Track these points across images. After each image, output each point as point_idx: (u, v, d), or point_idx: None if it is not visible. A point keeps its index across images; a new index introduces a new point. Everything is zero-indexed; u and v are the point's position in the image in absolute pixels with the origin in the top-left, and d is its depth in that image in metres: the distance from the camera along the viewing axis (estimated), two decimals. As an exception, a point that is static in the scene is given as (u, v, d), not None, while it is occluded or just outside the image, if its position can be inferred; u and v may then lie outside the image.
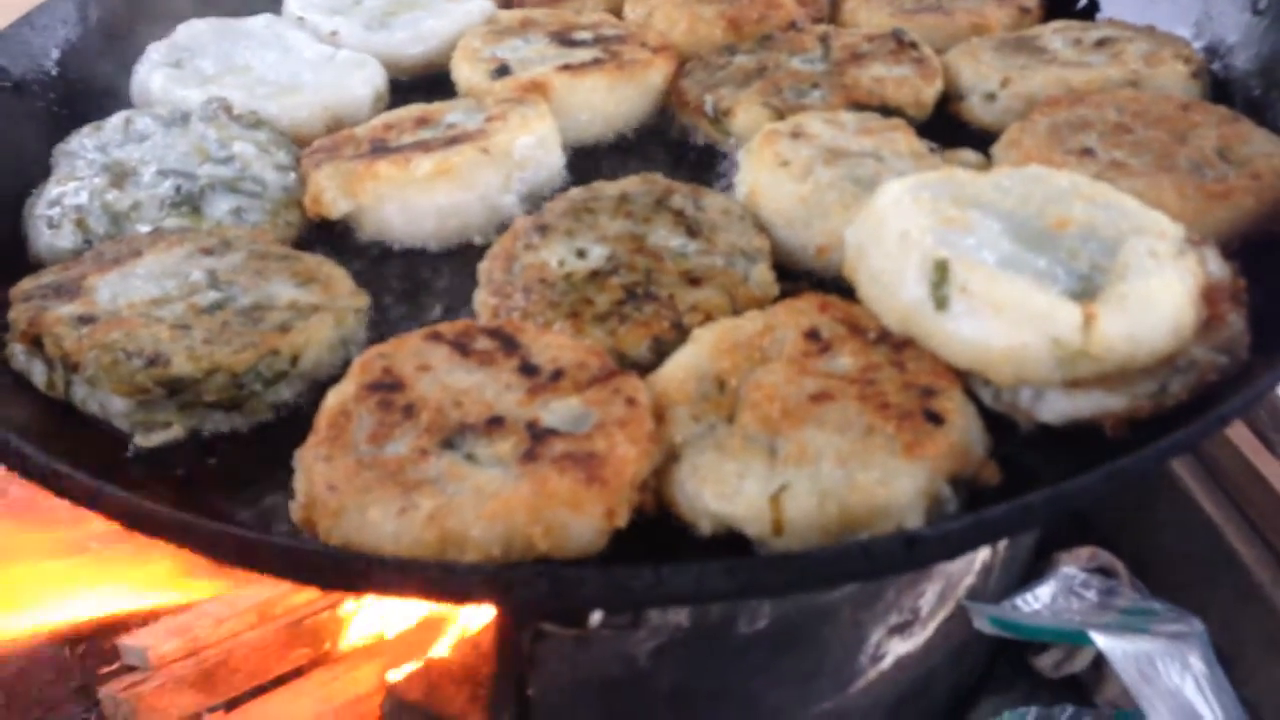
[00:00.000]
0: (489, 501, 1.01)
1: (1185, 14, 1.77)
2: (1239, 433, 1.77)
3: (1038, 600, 1.66)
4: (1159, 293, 1.08)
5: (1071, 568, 1.74)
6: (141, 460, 1.19)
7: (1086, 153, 1.43)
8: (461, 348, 1.19)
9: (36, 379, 1.24)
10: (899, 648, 1.46)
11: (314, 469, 1.06)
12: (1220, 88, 1.66)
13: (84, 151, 1.53)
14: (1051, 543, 1.79)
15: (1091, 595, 1.68)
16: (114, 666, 1.77)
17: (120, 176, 1.49)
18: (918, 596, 1.43)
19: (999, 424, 1.14)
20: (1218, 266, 1.21)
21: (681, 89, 1.74)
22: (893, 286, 1.16)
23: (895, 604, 1.41)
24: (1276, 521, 1.68)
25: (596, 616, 1.20)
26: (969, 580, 1.52)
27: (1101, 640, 1.46)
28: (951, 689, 1.68)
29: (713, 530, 1.05)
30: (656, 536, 1.07)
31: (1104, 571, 1.76)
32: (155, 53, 1.79)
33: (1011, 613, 1.59)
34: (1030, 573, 1.76)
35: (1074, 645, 1.57)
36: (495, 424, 1.09)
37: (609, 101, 1.71)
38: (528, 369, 1.16)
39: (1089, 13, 1.93)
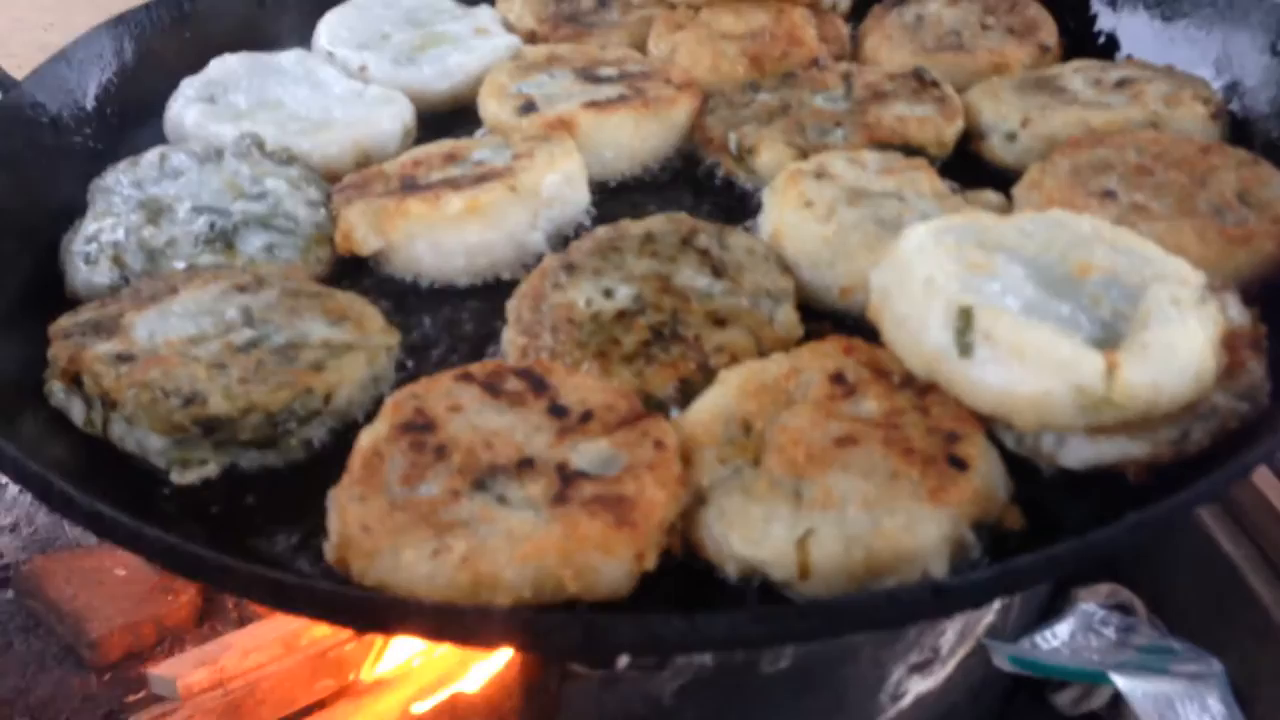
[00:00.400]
0: (521, 544, 1.03)
1: (1205, 54, 1.78)
2: (1259, 473, 1.77)
3: (1056, 637, 1.67)
4: (1181, 341, 1.10)
5: (1090, 604, 1.75)
6: (177, 497, 1.21)
7: (1108, 195, 1.44)
8: (492, 388, 1.21)
9: (75, 416, 1.26)
10: (919, 686, 1.47)
11: (348, 509, 1.08)
12: (1240, 129, 1.67)
13: (120, 188, 1.56)
14: (1071, 579, 1.80)
15: (1110, 633, 1.69)
16: (140, 695, 1.79)
17: (156, 213, 1.51)
18: (938, 635, 1.44)
19: (1022, 468, 1.16)
20: (1238, 313, 1.22)
21: (705, 126, 1.76)
22: (917, 332, 1.18)
23: (916, 643, 1.43)
24: (1297, 561, 1.69)
25: (624, 659, 1.21)
26: (989, 619, 1.53)
27: (1121, 681, 1.47)
28: (971, 725, 1.69)
29: (739, 573, 1.07)
30: (683, 578, 1.09)
31: (1123, 609, 1.76)
32: (189, 88, 1.82)
33: (1030, 651, 1.60)
34: (1049, 609, 1.77)
35: (1092, 684, 1.58)
36: (526, 466, 1.11)
37: (634, 138, 1.73)
38: (557, 410, 1.18)
39: (1109, 51, 1.94)
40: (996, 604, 1.53)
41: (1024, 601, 1.64)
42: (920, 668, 1.45)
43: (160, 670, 1.72)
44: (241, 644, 1.75)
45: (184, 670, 1.70)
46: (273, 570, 1.00)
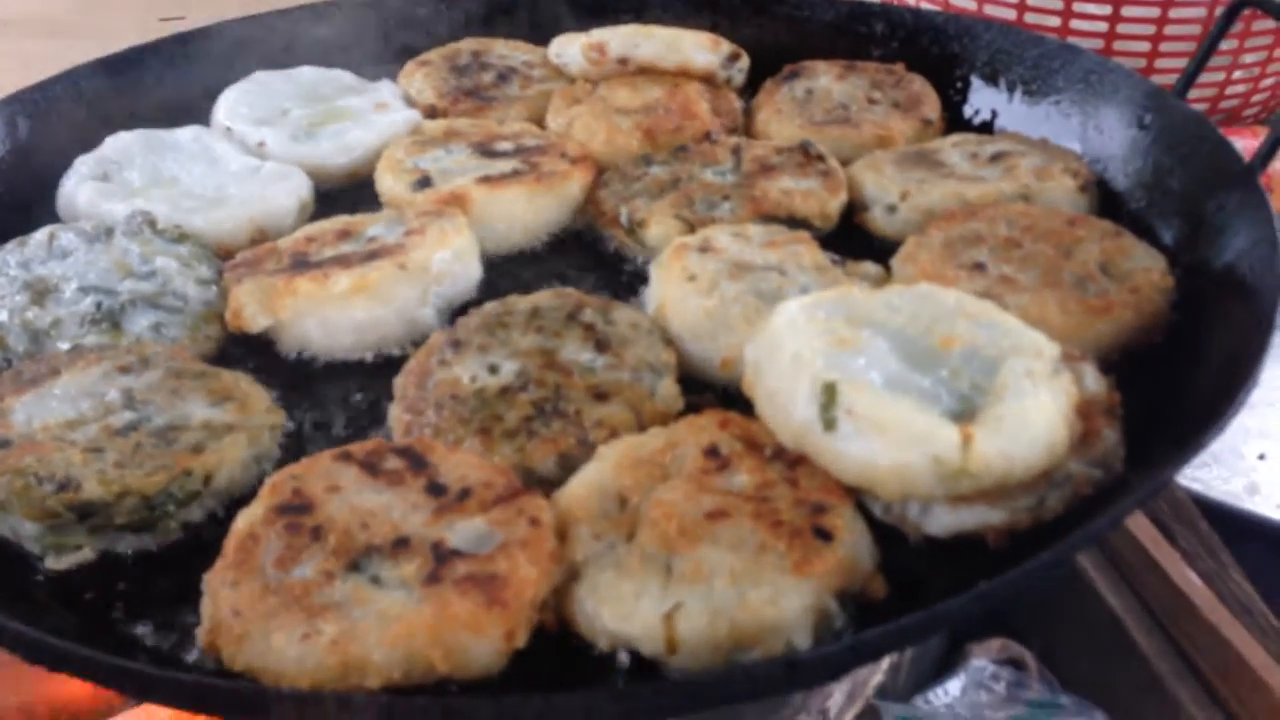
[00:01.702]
0: (391, 625, 1.04)
1: (1075, 128, 1.87)
2: (1139, 523, 1.83)
3: (948, 694, 1.70)
4: (1033, 413, 1.14)
5: (982, 660, 1.78)
6: (50, 583, 1.20)
7: (978, 268, 1.50)
8: (371, 467, 1.22)
9: (-52, 502, 1.25)
10: (809, 749, 1.49)
11: (220, 594, 1.09)
12: (1108, 199, 1.75)
13: (6, 268, 1.56)
14: (963, 635, 1.83)
15: (1000, 688, 1.72)
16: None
17: (41, 293, 1.51)
18: (825, 698, 1.47)
19: (890, 536, 1.19)
20: (1094, 381, 1.28)
21: (598, 199, 1.80)
22: (786, 406, 1.21)
23: (803, 706, 1.45)
24: (1175, 613, 1.74)
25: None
26: (877, 679, 1.56)
27: (1001, 740, 1.51)
28: (868, 785, 1.70)
29: (610, 648, 1.09)
30: (558, 653, 1.11)
31: (1014, 663, 1.80)
32: (83, 166, 1.83)
33: (918, 710, 1.62)
34: (943, 664, 1.80)
35: (981, 741, 1.61)
36: (401, 545, 1.12)
37: (528, 212, 1.76)
38: (435, 488, 1.19)
39: (989, 125, 2.02)
40: (885, 663, 1.56)
41: (914, 660, 1.67)
42: (809, 731, 1.48)
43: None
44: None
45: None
46: (128, 661, 1.00)
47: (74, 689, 1.96)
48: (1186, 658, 1.71)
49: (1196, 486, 2.02)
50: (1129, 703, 1.71)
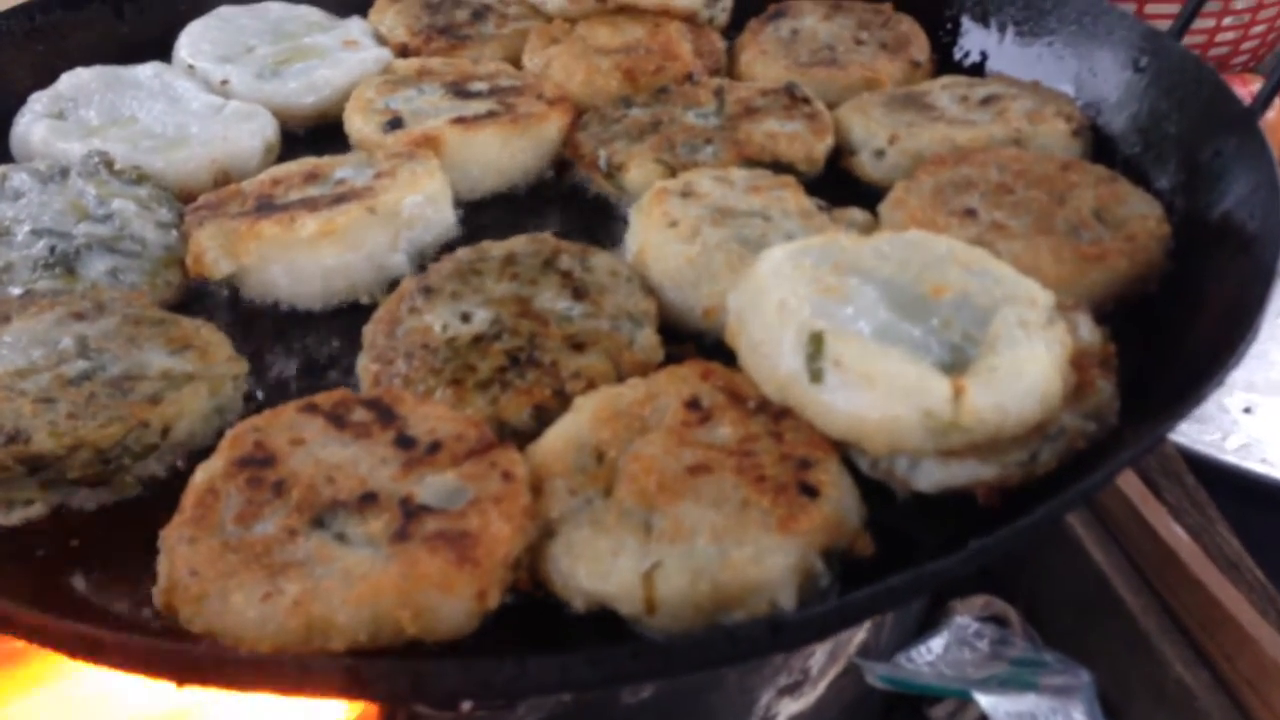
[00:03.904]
0: (357, 585, 0.99)
1: (1069, 70, 1.81)
2: (1126, 478, 1.80)
3: (931, 652, 1.67)
4: (1027, 364, 1.10)
5: (966, 617, 1.75)
6: (1, 539, 1.15)
7: (969, 214, 1.45)
8: (338, 420, 1.17)
9: (-108, 455, 1.19)
10: (790, 708, 1.46)
11: (176, 551, 1.03)
12: (1102, 144, 1.70)
13: (-45, 210, 1.49)
14: (948, 591, 1.80)
15: (984, 645, 1.70)
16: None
17: (-9, 237, 1.45)
18: (807, 657, 1.44)
19: (877, 492, 1.15)
20: (1089, 332, 1.24)
21: (576, 142, 1.74)
22: (771, 357, 1.16)
23: (785, 666, 1.41)
24: (1162, 569, 1.72)
25: (467, 704, 1.18)
26: (860, 637, 1.53)
27: (983, 700, 1.48)
28: (849, 742, 1.68)
29: (587, 608, 1.04)
30: (532, 613, 1.06)
31: (997, 620, 1.77)
32: (37, 103, 1.75)
33: (900, 669, 1.60)
34: (927, 622, 1.78)
35: (963, 699, 1.59)
36: (368, 501, 1.08)
37: (503, 155, 1.70)
38: (404, 441, 1.14)
39: (979, 67, 1.96)
40: (867, 621, 1.53)
41: (898, 618, 1.64)
42: (790, 690, 1.44)
43: None
44: None
45: None
46: (75, 624, 0.95)
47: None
48: (1172, 614, 1.69)
49: (1182, 440, 2.00)
50: (1114, 659, 1.69)
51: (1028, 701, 1.48)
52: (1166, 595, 1.71)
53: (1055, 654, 1.68)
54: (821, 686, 1.48)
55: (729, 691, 1.36)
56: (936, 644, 1.69)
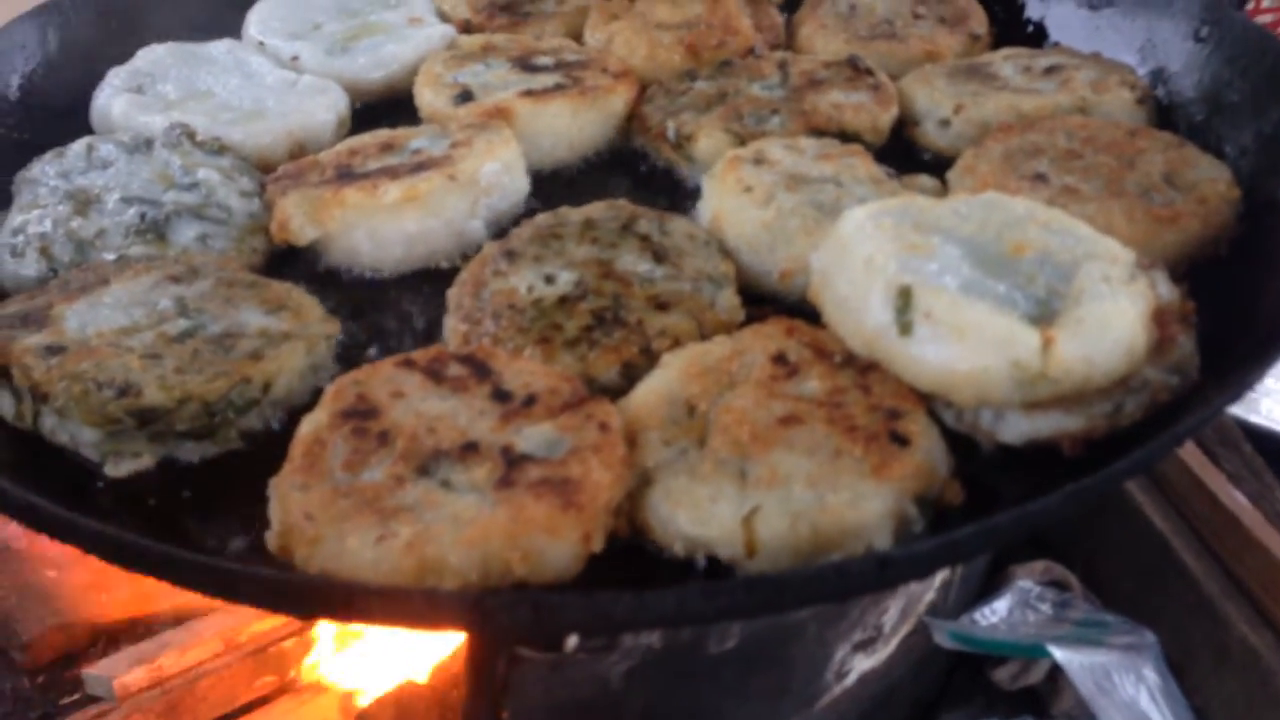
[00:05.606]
0: (466, 528, 1.02)
1: (1130, 41, 1.82)
2: (1186, 448, 1.82)
3: (995, 614, 1.70)
4: (1113, 317, 1.12)
5: (1027, 581, 1.78)
6: (112, 491, 1.18)
7: (1039, 178, 1.47)
8: (434, 374, 1.20)
9: (4, 410, 1.23)
10: (863, 664, 1.48)
11: (290, 497, 1.07)
12: (1165, 113, 1.71)
13: (46, 179, 1.52)
14: (1007, 557, 1.83)
15: (1046, 608, 1.72)
16: (76, 697, 1.75)
17: (84, 204, 1.48)
18: (881, 613, 1.46)
19: (961, 444, 1.18)
20: (1167, 289, 1.25)
21: (643, 115, 1.77)
22: (858, 312, 1.19)
23: (860, 621, 1.44)
24: (1223, 534, 1.74)
25: (573, 641, 1.21)
26: (929, 596, 1.55)
27: (1059, 653, 1.50)
28: (913, 703, 1.71)
29: (686, 553, 1.07)
30: (629, 560, 1.09)
31: (1058, 584, 1.80)
32: (115, 78, 1.78)
33: (970, 627, 1.62)
34: (987, 586, 1.80)
35: (1030, 658, 1.61)
36: (470, 450, 1.11)
37: (572, 127, 1.73)
38: (500, 395, 1.17)
39: (1037, 40, 1.98)
40: (937, 581, 1.55)
41: (963, 580, 1.67)
42: (864, 646, 1.47)
43: (96, 670, 1.68)
44: (179, 641, 1.72)
45: (120, 670, 1.67)
46: (216, 559, 0.98)
47: (111, 609, 1.96)
48: (1234, 577, 1.71)
49: (1238, 410, 2.01)
50: (1176, 622, 1.71)
51: (1099, 656, 1.50)
52: (1228, 559, 1.73)
53: (1117, 615, 1.70)
54: (893, 644, 1.51)
55: (808, 644, 1.39)
56: (1000, 606, 1.71)
